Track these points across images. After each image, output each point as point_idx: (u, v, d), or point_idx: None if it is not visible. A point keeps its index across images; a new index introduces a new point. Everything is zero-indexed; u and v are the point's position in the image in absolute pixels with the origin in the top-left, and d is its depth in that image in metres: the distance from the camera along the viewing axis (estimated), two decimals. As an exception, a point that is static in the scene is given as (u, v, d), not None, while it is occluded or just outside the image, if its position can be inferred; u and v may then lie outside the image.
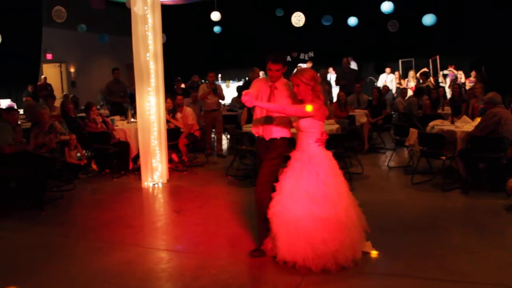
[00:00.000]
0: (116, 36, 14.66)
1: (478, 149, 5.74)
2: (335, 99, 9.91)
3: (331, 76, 13.55)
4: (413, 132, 6.56)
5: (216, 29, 14.94)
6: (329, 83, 11.58)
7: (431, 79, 12.48)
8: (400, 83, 13.36)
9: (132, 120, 7.88)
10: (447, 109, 8.89)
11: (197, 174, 7.39)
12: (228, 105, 10.87)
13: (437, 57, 13.88)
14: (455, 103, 9.17)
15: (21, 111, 9.47)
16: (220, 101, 9.10)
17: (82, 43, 15.20)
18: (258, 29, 15.37)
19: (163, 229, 4.92)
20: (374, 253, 3.90)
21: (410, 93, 11.01)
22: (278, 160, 3.88)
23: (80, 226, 5.02)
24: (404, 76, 13.97)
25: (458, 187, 5.89)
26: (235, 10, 14.61)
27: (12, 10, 11.03)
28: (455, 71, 13.42)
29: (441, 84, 12.82)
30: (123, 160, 7.33)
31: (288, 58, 16.77)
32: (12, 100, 11.44)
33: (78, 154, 7.06)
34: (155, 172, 6.58)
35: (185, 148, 7.73)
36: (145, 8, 6.22)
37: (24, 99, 11.27)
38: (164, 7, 6.74)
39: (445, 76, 13.61)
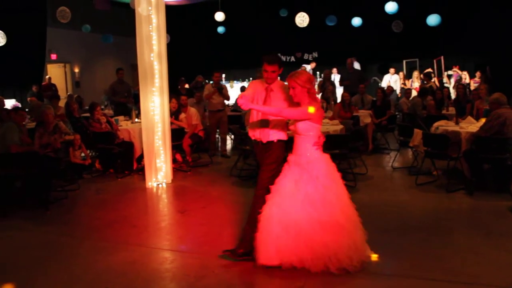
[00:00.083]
0: (120, 36, 14.69)
1: (483, 150, 5.72)
2: (339, 100, 9.90)
3: (335, 76, 13.52)
4: (418, 133, 6.54)
5: (220, 29, 14.97)
6: (333, 84, 11.57)
7: (435, 79, 12.44)
8: (404, 84, 13.30)
9: (136, 120, 7.90)
10: (452, 110, 8.85)
11: (201, 174, 7.40)
12: (232, 106, 10.87)
13: (442, 57, 13.81)
14: (459, 103, 9.13)
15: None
16: (225, 101, 9.11)
17: (86, 43, 15.24)
18: (262, 29, 15.33)
19: (167, 229, 4.93)
20: (374, 256, 3.86)
21: (414, 93, 10.95)
22: (275, 165, 3.83)
23: (84, 225, 5.04)
24: (408, 76, 13.91)
25: (463, 188, 5.88)
26: (239, 11, 14.62)
27: (17, 11, 11.07)
28: (459, 72, 13.34)
29: (445, 85, 12.76)
30: (127, 160, 7.35)
31: (292, 59, 16.79)
32: (17, 100, 11.48)
33: (83, 154, 7.09)
34: (159, 172, 6.59)
35: (189, 149, 7.74)
36: (149, 8, 6.24)
37: (28, 99, 11.33)
38: (168, 8, 6.75)
39: (449, 76, 13.53)
